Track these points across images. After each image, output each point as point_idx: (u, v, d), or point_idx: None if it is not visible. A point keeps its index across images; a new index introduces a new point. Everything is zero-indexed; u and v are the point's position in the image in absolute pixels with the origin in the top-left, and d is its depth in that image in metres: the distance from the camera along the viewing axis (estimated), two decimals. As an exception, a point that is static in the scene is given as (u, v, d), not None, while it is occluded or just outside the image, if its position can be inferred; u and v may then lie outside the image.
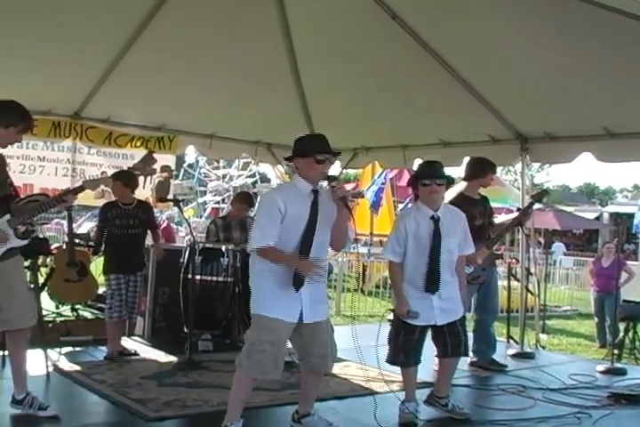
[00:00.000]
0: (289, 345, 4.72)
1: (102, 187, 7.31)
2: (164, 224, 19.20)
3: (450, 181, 5.33)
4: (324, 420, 4.82)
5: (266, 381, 4.75)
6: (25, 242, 4.81)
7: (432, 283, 5.16)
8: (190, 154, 22.77)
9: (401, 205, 19.23)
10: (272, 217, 4.45)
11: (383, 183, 18.01)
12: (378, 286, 15.93)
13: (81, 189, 5.00)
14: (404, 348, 5.23)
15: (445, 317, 5.21)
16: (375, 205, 17.93)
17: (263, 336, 4.43)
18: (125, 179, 7.04)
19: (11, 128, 4.65)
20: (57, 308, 8.24)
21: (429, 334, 5.34)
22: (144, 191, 8.95)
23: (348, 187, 22.00)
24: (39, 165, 8.65)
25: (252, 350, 4.43)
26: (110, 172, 8.69)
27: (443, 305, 5.19)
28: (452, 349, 5.25)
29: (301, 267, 4.37)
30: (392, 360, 5.31)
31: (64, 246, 8.10)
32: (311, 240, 4.48)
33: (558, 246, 27.18)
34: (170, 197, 9.57)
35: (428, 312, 5.16)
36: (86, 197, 8.36)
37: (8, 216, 4.67)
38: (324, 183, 4.61)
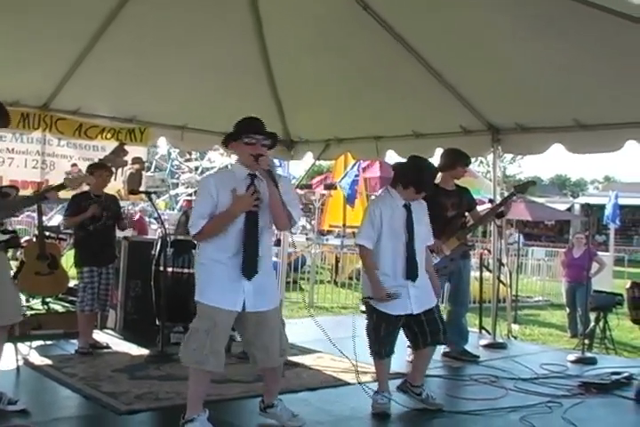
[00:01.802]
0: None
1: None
2: (137, 217, 19.12)
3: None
4: (288, 410, 4.78)
5: (238, 373, 4.73)
6: (6, 237, 4.80)
7: (412, 270, 5.17)
8: (162, 146, 22.70)
9: (373, 198, 19.22)
10: (204, 200, 4.43)
11: (357, 175, 17.99)
12: (351, 278, 15.95)
13: (62, 186, 4.98)
14: (386, 340, 5.22)
15: (420, 305, 5.21)
16: (351, 198, 17.92)
17: (200, 324, 4.40)
18: (109, 170, 7.01)
19: None
20: (27, 301, 8.19)
21: (403, 328, 5.34)
22: (115, 183, 8.90)
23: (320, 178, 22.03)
24: (8, 157, 8.57)
25: (190, 338, 4.41)
26: (81, 164, 8.64)
27: (417, 293, 5.20)
28: (432, 336, 5.25)
29: (239, 201, 4.34)
30: (377, 353, 5.27)
31: (34, 239, 8.03)
32: (255, 226, 4.43)
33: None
34: (142, 189, 9.52)
35: (405, 301, 5.16)
36: (57, 190, 8.30)
37: None
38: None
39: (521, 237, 21.16)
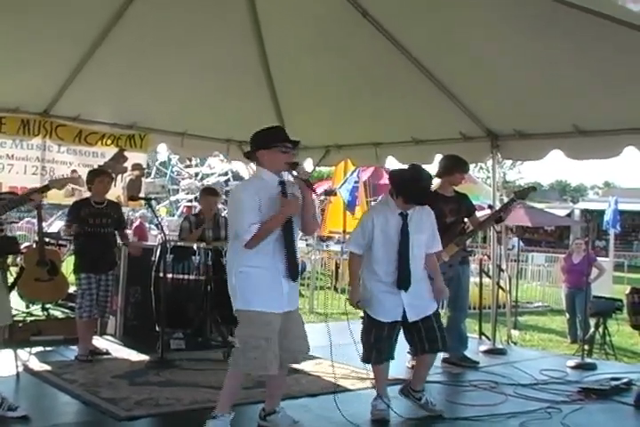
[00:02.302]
0: None
1: (71, 186, 7.26)
2: (137, 223, 19.12)
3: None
4: (289, 417, 4.81)
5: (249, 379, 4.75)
6: None
7: (403, 280, 5.18)
8: (162, 152, 22.72)
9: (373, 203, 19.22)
10: (250, 208, 4.46)
11: (357, 182, 17.98)
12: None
13: (47, 187, 5.00)
14: (375, 345, 5.24)
15: (416, 313, 5.21)
16: (351, 205, 17.88)
17: (256, 332, 4.43)
18: (110, 176, 7.03)
19: None
20: (27, 307, 8.17)
21: (404, 333, 5.36)
22: (115, 190, 8.88)
23: (323, 185, 22.01)
24: (8, 164, 8.54)
25: (247, 347, 4.43)
26: (80, 170, 8.63)
27: (413, 301, 5.21)
28: (429, 344, 5.25)
29: (289, 206, 4.47)
30: (365, 358, 5.32)
31: (34, 245, 8.03)
32: (292, 230, 4.57)
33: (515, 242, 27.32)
34: (141, 195, 9.52)
35: (397, 309, 5.19)
36: (56, 196, 8.32)
37: None
38: (287, 174, 4.67)
39: (520, 242, 21.14)
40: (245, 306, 4.50)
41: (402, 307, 5.19)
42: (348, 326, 5.27)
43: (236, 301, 4.56)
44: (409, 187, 5.21)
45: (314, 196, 4.67)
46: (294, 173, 4.57)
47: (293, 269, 4.56)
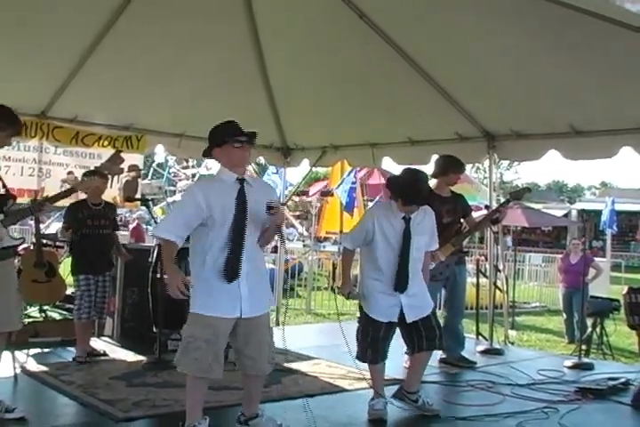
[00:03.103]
0: None
1: (68, 186, 7.25)
2: (135, 224, 19.11)
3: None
4: (273, 420, 4.74)
5: (236, 380, 4.73)
6: (18, 242, 4.93)
7: (401, 283, 5.20)
8: (159, 153, 22.69)
9: (371, 204, 19.23)
10: (185, 210, 4.43)
11: (354, 182, 17.98)
12: (348, 285, 15.94)
13: (72, 190, 5.04)
14: (371, 344, 5.26)
15: (414, 313, 5.24)
16: (349, 206, 17.87)
17: (198, 333, 4.36)
18: (106, 177, 7.05)
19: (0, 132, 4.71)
20: (25, 309, 8.17)
21: (400, 332, 5.37)
22: (111, 191, 8.91)
23: (319, 185, 22.02)
24: (4, 165, 8.57)
25: (188, 347, 4.37)
26: (77, 171, 8.65)
27: (411, 302, 5.23)
28: (428, 342, 5.27)
29: (172, 283, 4.31)
30: (360, 357, 5.34)
31: (31, 247, 8.03)
32: (243, 230, 4.39)
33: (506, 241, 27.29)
34: (137, 196, 9.53)
35: (393, 309, 5.22)
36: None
37: (1, 216, 4.71)
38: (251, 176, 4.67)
39: (509, 240, 21.03)
40: (193, 308, 4.43)
41: (398, 307, 5.21)
42: (339, 326, 5.29)
43: (190, 301, 4.46)
44: (407, 189, 5.23)
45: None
46: (270, 213, 4.41)
47: (232, 271, 4.34)
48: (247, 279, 4.42)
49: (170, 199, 24.93)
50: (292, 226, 23.76)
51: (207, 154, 4.63)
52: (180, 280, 4.32)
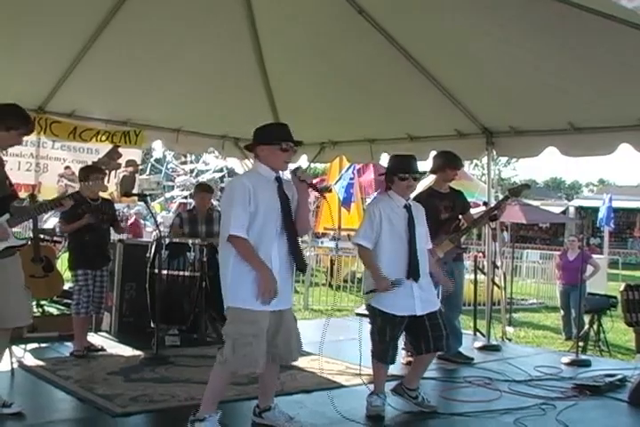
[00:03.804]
0: None
1: (65, 181, 7.25)
2: (132, 220, 19.11)
3: (421, 175, 5.42)
4: (285, 414, 4.78)
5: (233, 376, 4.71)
6: (23, 242, 4.93)
7: (414, 269, 5.15)
8: (157, 149, 22.69)
9: (369, 200, 19.23)
10: (244, 203, 4.42)
11: (352, 178, 17.98)
12: (346, 281, 15.96)
13: (78, 194, 5.05)
14: (391, 344, 5.21)
15: (424, 307, 5.18)
16: (347, 202, 17.89)
17: (245, 329, 4.38)
18: (104, 173, 7.02)
19: (12, 131, 4.76)
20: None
21: (405, 332, 5.35)
22: (109, 186, 8.88)
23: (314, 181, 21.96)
24: (1, 160, 8.53)
25: (237, 344, 4.37)
26: (74, 166, 8.63)
27: (422, 295, 5.19)
28: (434, 343, 5.21)
29: (266, 285, 4.34)
30: (382, 358, 5.24)
31: (29, 242, 8.02)
32: (291, 224, 4.52)
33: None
34: (135, 191, 9.52)
35: (408, 300, 5.14)
36: (50, 193, 8.30)
37: (7, 215, 4.72)
38: (286, 173, 4.67)
39: (507, 236, 21.02)
40: (236, 302, 4.45)
41: (413, 299, 5.14)
42: (326, 322, 5.25)
43: (228, 295, 4.50)
44: (401, 163, 5.37)
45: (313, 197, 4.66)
46: (297, 176, 4.57)
47: (301, 264, 4.58)
48: (279, 273, 4.49)
49: (168, 194, 24.95)
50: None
51: (250, 148, 4.78)
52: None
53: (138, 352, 6.98)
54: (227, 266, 4.51)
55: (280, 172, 4.73)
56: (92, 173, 6.95)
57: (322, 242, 21.52)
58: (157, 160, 26.75)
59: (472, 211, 7.60)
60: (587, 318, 10.04)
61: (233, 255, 4.46)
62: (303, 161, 9.93)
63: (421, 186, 8.04)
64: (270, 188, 4.55)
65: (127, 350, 7.14)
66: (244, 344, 4.36)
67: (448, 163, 7.13)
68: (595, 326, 9.86)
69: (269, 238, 4.46)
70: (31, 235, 7.63)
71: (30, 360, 6.48)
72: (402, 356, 6.59)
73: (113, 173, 9.31)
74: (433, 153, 7.82)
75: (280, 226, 4.50)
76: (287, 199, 4.56)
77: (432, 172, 7.24)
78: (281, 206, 4.52)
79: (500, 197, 7.94)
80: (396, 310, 5.16)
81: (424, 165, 7.55)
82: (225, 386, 4.59)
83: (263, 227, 4.45)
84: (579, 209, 33.28)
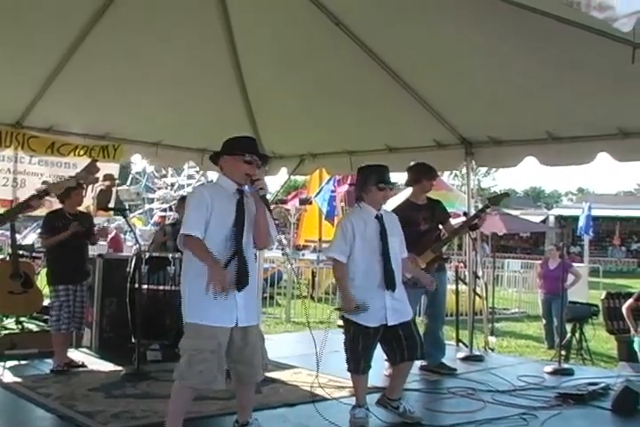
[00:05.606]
0: None
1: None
2: (113, 234, 19.03)
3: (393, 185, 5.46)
4: None
5: (215, 390, 4.68)
6: None
7: (389, 280, 5.16)
8: (137, 162, 22.66)
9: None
10: (200, 210, 4.39)
11: (333, 191, 17.98)
12: (327, 293, 15.95)
13: (45, 192, 4.98)
14: (363, 353, 5.19)
15: (396, 317, 5.19)
16: (330, 215, 17.86)
17: (202, 345, 4.31)
18: (82, 187, 6.97)
19: None
20: (1, 321, 8.09)
21: (380, 343, 5.33)
22: (85, 200, 8.84)
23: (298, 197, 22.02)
24: (-23, 176, 8.49)
25: (193, 360, 4.31)
26: (52, 181, 8.55)
27: (395, 305, 5.20)
28: (409, 352, 5.23)
29: (215, 276, 4.22)
30: (354, 369, 5.24)
31: (7, 258, 7.95)
32: (241, 239, 4.43)
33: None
34: (111, 205, 9.48)
35: (380, 312, 5.15)
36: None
37: None
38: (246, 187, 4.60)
39: (486, 247, 21.02)
40: (193, 318, 4.39)
41: (385, 310, 5.15)
42: (310, 334, 5.20)
43: (186, 310, 4.44)
44: (374, 175, 5.34)
45: (267, 212, 4.59)
46: (253, 187, 4.49)
47: (242, 280, 4.38)
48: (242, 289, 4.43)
49: (147, 207, 24.91)
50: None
51: (214, 158, 4.72)
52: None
53: (119, 368, 6.92)
54: (185, 282, 4.50)
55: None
56: (75, 189, 6.86)
57: (303, 254, 21.50)
58: (139, 172, 26.73)
59: (452, 221, 7.61)
60: (569, 327, 10.07)
61: (192, 271, 4.42)
62: (283, 174, 9.93)
63: (396, 200, 8.06)
64: (229, 201, 4.49)
65: (108, 366, 7.08)
66: (200, 360, 4.30)
67: (424, 174, 7.14)
68: (577, 335, 9.89)
69: (217, 251, 4.36)
70: (10, 251, 7.58)
71: (9, 378, 6.40)
72: (385, 367, 6.57)
73: (90, 187, 9.27)
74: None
75: (230, 239, 4.42)
76: (243, 213, 4.47)
77: (408, 184, 7.25)
78: (235, 220, 4.43)
79: (480, 206, 7.95)
80: (365, 320, 5.16)
81: (403, 177, 7.54)
82: (187, 403, 4.48)
83: (214, 237, 4.39)
84: (558, 218, 33.50)
